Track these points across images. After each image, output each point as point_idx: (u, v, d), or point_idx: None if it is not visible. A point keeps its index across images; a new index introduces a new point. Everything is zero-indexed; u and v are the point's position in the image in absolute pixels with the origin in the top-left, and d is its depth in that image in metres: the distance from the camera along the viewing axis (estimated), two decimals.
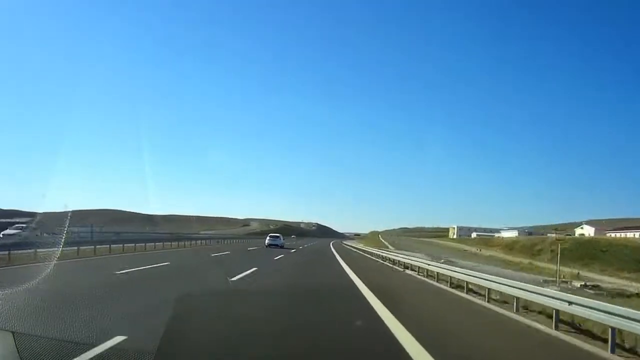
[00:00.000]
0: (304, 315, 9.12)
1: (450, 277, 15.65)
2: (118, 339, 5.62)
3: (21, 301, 7.80)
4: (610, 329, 7.04)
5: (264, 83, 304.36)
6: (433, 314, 10.95)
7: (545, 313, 9.67)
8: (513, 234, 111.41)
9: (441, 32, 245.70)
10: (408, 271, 22.38)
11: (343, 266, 24.80)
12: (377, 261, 32.06)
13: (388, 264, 28.31)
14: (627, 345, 7.33)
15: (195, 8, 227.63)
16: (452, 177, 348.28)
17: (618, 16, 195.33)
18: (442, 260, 29.54)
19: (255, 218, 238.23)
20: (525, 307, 10.52)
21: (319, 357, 6.08)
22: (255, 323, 7.79)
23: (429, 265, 19.91)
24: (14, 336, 4.22)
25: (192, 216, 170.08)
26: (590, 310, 7.52)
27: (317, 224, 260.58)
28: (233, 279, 14.56)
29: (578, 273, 41.49)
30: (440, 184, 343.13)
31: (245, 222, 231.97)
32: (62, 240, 16.89)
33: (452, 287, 15.08)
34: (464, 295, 13.44)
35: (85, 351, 4.82)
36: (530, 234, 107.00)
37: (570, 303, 8.07)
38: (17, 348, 3.99)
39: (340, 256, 36.09)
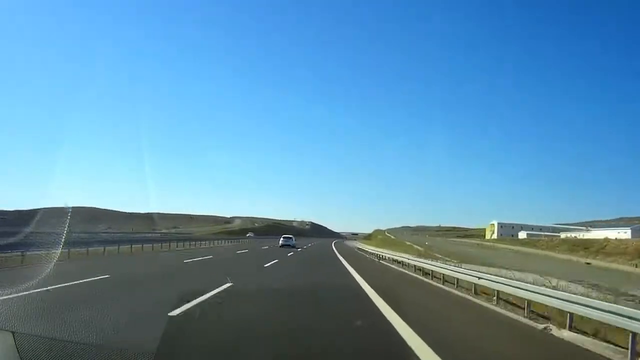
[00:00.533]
0: None
1: None
2: None
3: None
4: None
5: (264, 83, 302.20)
6: None
7: None
8: (613, 232, 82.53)
9: (441, 32, 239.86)
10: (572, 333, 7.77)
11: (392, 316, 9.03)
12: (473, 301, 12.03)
13: (504, 310, 10.49)
14: None
15: (196, 8, 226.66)
16: (450, 175, 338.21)
17: (618, 16, 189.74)
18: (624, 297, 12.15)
19: (241, 216, 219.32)
20: None
21: None
22: None
23: None
24: (13, 336, 3.86)
25: (155, 213, 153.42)
26: None
27: (311, 222, 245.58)
28: None
29: None
30: (440, 183, 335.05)
31: (228, 220, 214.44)
32: None
33: None
34: None
35: None
36: None
37: None
38: (17, 348, 3.67)
39: (365, 276, 19.46)
